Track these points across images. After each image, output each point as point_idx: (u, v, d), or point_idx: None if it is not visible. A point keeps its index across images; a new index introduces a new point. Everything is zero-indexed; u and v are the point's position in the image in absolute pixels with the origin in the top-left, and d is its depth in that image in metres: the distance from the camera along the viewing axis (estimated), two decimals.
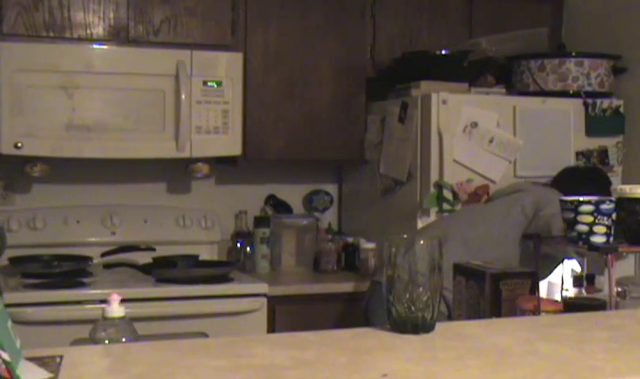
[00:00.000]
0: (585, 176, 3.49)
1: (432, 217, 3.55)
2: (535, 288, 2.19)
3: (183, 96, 3.60)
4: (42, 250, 3.71)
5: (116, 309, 1.75)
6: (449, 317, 2.50)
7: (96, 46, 3.62)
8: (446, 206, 3.51)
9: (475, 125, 3.57)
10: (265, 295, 3.55)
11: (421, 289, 1.59)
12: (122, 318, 1.75)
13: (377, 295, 3.15)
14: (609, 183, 3.36)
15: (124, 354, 1.51)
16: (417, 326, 1.60)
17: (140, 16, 3.67)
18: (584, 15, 4.18)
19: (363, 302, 3.39)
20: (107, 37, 3.63)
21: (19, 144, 3.45)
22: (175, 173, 4.03)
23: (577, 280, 2.60)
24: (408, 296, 1.59)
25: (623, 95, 3.85)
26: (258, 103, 3.86)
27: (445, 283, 1.74)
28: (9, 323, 1.27)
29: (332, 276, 3.93)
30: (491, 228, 3.20)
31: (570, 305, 2.12)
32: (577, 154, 3.73)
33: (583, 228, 2.11)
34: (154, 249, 3.80)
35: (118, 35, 3.65)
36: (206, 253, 3.98)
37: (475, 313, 2.20)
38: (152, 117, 3.63)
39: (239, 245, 4.01)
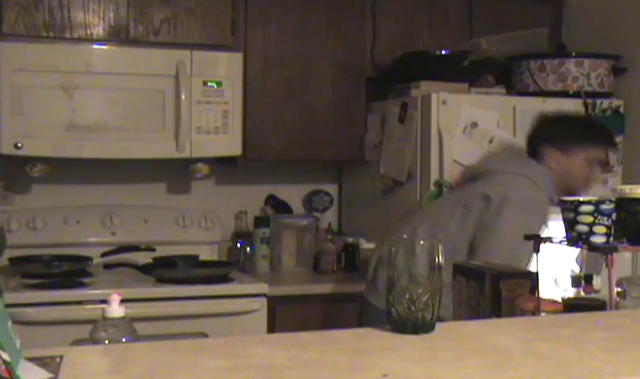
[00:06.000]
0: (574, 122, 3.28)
1: None
2: (535, 288, 2.19)
3: (183, 96, 3.60)
4: (42, 250, 3.71)
5: (116, 310, 1.74)
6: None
7: (95, 46, 3.62)
8: None
9: (475, 125, 3.57)
10: (265, 295, 3.55)
11: (421, 289, 1.59)
12: (122, 318, 1.74)
13: (369, 316, 3.08)
14: (606, 132, 3.20)
15: (124, 354, 1.51)
16: (417, 326, 1.60)
17: (140, 17, 3.67)
18: (584, 15, 4.18)
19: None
20: (107, 37, 3.64)
21: (19, 144, 3.45)
22: (175, 173, 4.03)
23: (576, 280, 2.60)
24: (408, 296, 1.59)
25: (623, 96, 3.85)
26: (258, 104, 3.86)
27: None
28: (9, 323, 1.27)
29: (332, 276, 3.93)
30: (450, 233, 2.99)
31: (569, 306, 2.12)
32: None
33: (583, 228, 2.11)
34: (154, 250, 3.80)
35: (118, 36, 3.65)
36: (206, 254, 3.98)
37: (475, 313, 2.20)
38: (152, 117, 3.63)
39: (239, 245, 4.02)
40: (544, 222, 2.91)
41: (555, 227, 2.27)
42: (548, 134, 3.09)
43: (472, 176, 3.18)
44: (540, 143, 3.07)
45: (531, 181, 2.95)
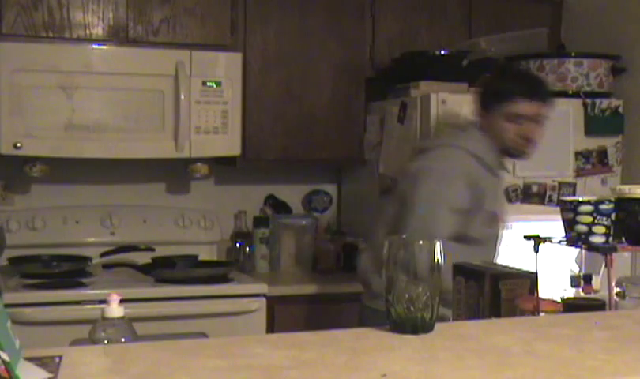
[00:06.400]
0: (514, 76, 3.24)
1: None
2: (534, 288, 2.19)
3: (182, 96, 3.60)
4: (41, 250, 3.71)
5: (115, 310, 1.74)
6: None
7: (95, 46, 3.62)
8: None
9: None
10: (264, 295, 3.55)
11: (420, 289, 1.59)
12: (121, 318, 1.74)
13: (366, 317, 3.04)
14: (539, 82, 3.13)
15: (123, 354, 1.51)
16: (416, 326, 1.60)
17: (139, 17, 3.67)
18: (583, 15, 4.19)
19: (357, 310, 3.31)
20: (107, 37, 3.64)
21: (18, 144, 3.45)
22: (175, 173, 4.03)
23: (575, 280, 2.60)
24: (407, 296, 1.59)
25: (622, 96, 3.85)
26: (258, 103, 3.86)
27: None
28: (9, 323, 1.27)
29: (331, 276, 3.93)
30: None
31: (569, 306, 2.12)
32: (577, 154, 3.73)
33: (582, 228, 2.12)
34: (153, 250, 3.80)
35: (117, 35, 3.65)
36: (205, 254, 3.97)
37: (474, 313, 2.20)
38: (152, 117, 3.63)
39: (238, 245, 4.01)
40: (472, 191, 2.84)
41: (555, 227, 2.27)
42: (476, 96, 3.05)
43: (413, 156, 3.10)
44: (475, 106, 3.03)
45: (464, 151, 2.87)
